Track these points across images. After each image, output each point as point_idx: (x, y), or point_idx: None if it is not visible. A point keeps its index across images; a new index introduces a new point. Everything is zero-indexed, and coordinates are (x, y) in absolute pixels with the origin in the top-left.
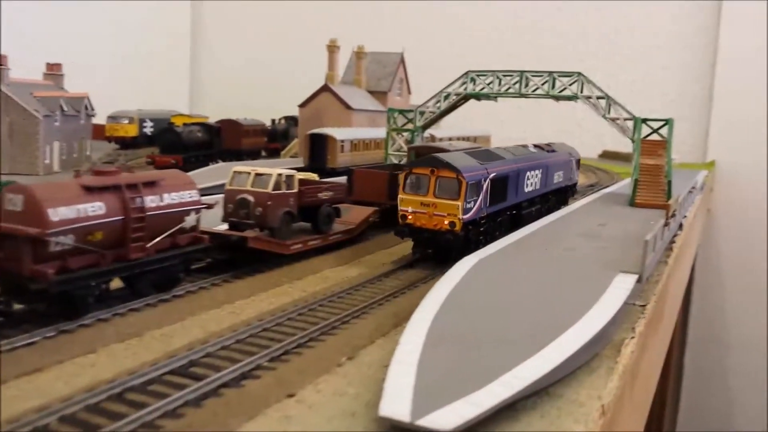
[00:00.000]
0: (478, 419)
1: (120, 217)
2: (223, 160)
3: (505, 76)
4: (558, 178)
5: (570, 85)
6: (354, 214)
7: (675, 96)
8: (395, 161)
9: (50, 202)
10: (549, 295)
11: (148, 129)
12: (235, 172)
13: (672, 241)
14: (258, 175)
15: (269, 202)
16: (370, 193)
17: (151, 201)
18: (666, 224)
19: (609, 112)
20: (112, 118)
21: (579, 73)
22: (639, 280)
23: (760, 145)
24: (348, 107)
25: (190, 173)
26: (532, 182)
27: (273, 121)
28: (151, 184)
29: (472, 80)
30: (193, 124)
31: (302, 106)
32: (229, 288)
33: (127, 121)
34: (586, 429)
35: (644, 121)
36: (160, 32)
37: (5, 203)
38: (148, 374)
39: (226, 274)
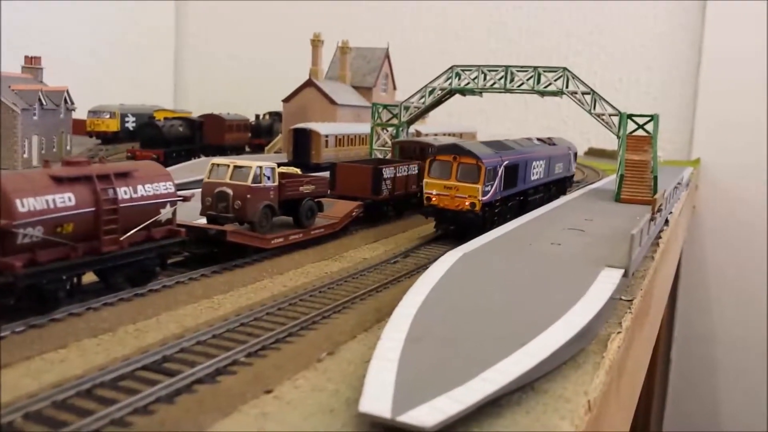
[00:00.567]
0: (461, 415)
1: (91, 209)
2: (206, 156)
3: (490, 71)
4: (558, 169)
5: (555, 80)
6: (337, 209)
7: (660, 94)
8: (380, 156)
9: (17, 192)
10: (534, 289)
11: (130, 124)
12: (213, 164)
13: (658, 237)
14: (237, 167)
15: (248, 195)
16: (354, 188)
17: (124, 192)
18: (652, 219)
19: (594, 108)
20: (93, 112)
21: (564, 69)
22: (625, 275)
23: (745, 142)
24: (332, 102)
25: (170, 168)
26: (537, 172)
27: (257, 116)
28: (124, 175)
29: (457, 75)
30: (175, 118)
31: (286, 101)
32: (208, 282)
33: (108, 116)
34: (572, 425)
35: (630, 116)
36: (144, 28)
37: None
38: (119, 370)
39: (205, 268)
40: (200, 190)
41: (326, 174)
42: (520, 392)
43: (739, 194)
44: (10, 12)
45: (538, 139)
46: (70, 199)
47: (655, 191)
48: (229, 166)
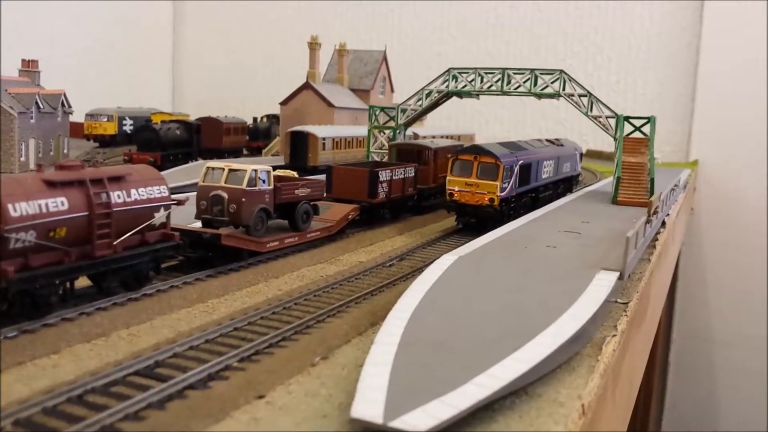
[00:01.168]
0: (454, 420)
1: (84, 213)
2: (203, 159)
3: (487, 73)
4: (566, 168)
5: (552, 82)
6: (333, 212)
7: (657, 96)
8: (377, 159)
9: (9, 197)
10: (528, 293)
11: (128, 127)
12: (208, 168)
13: (655, 239)
14: (232, 170)
15: (243, 199)
16: (350, 191)
17: (117, 196)
18: (648, 221)
19: (591, 110)
20: (91, 116)
21: (561, 71)
22: (620, 278)
23: (743, 144)
24: (330, 105)
25: (165, 171)
26: (547, 170)
27: (255, 119)
28: (117, 179)
29: (454, 78)
30: (172, 121)
31: (283, 103)
32: (202, 287)
33: (105, 119)
34: (566, 429)
35: (627, 118)
36: (142, 31)
37: None
38: (111, 375)
39: (200, 272)
40: (195, 193)
41: (322, 177)
42: (514, 396)
43: (738, 196)
44: (7, 15)
45: (548, 140)
46: (63, 204)
47: (651, 193)
48: (224, 169)
